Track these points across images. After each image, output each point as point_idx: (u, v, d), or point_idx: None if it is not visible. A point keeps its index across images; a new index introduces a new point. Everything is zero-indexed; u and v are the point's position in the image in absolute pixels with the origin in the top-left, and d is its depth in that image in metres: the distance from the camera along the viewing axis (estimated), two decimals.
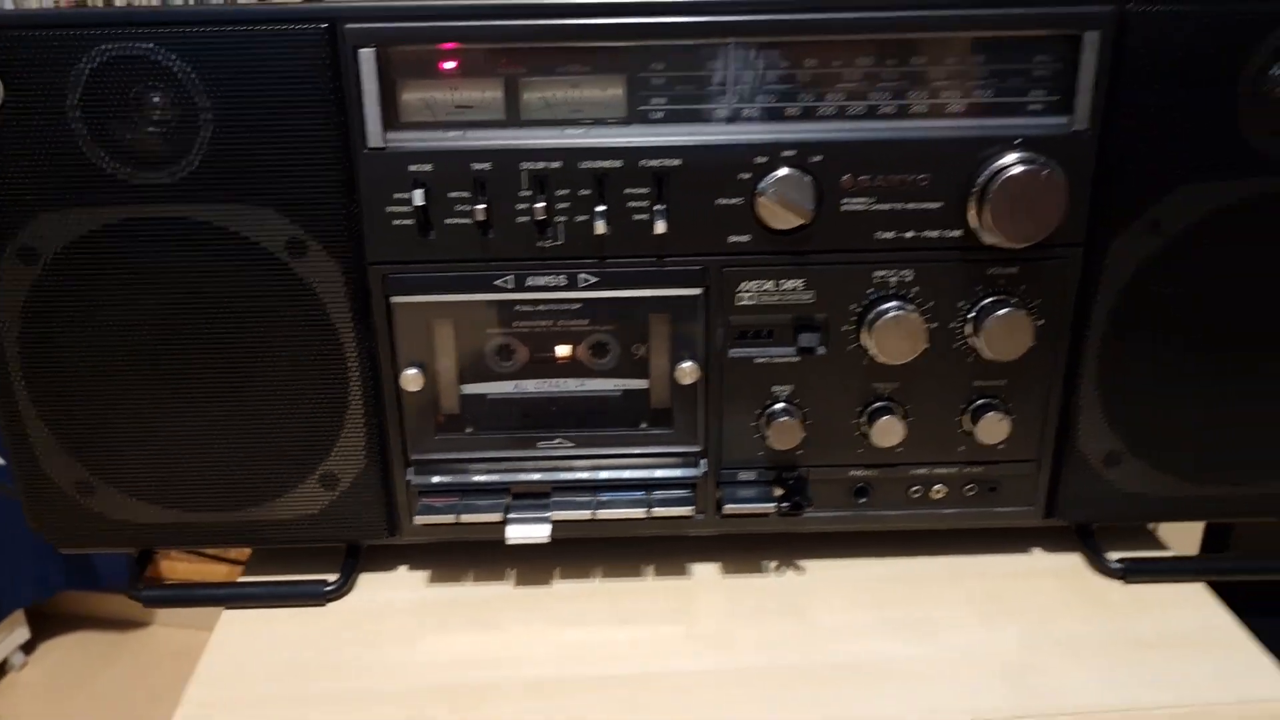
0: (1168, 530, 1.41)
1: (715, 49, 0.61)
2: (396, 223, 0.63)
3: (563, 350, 0.67)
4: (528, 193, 0.62)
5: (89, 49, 0.58)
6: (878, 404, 0.67)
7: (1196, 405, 0.67)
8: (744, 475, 0.69)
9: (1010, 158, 0.61)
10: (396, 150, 0.61)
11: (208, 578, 1.72)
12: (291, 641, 0.68)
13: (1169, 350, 0.66)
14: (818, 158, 0.62)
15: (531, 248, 0.64)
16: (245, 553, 0.77)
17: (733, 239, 0.64)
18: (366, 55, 0.59)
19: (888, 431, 0.67)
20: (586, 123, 0.62)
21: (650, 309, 0.66)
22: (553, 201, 0.62)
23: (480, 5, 0.60)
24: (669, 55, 0.61)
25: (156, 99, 0.60)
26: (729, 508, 0.69)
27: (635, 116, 0.62)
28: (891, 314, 0.64)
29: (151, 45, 0.58)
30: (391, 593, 0.72)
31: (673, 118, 0.62)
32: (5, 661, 1.78)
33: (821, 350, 0.66)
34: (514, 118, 0.62)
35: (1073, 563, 0.72)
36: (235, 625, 0.69)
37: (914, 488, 0.70)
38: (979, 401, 0.67)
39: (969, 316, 0.65)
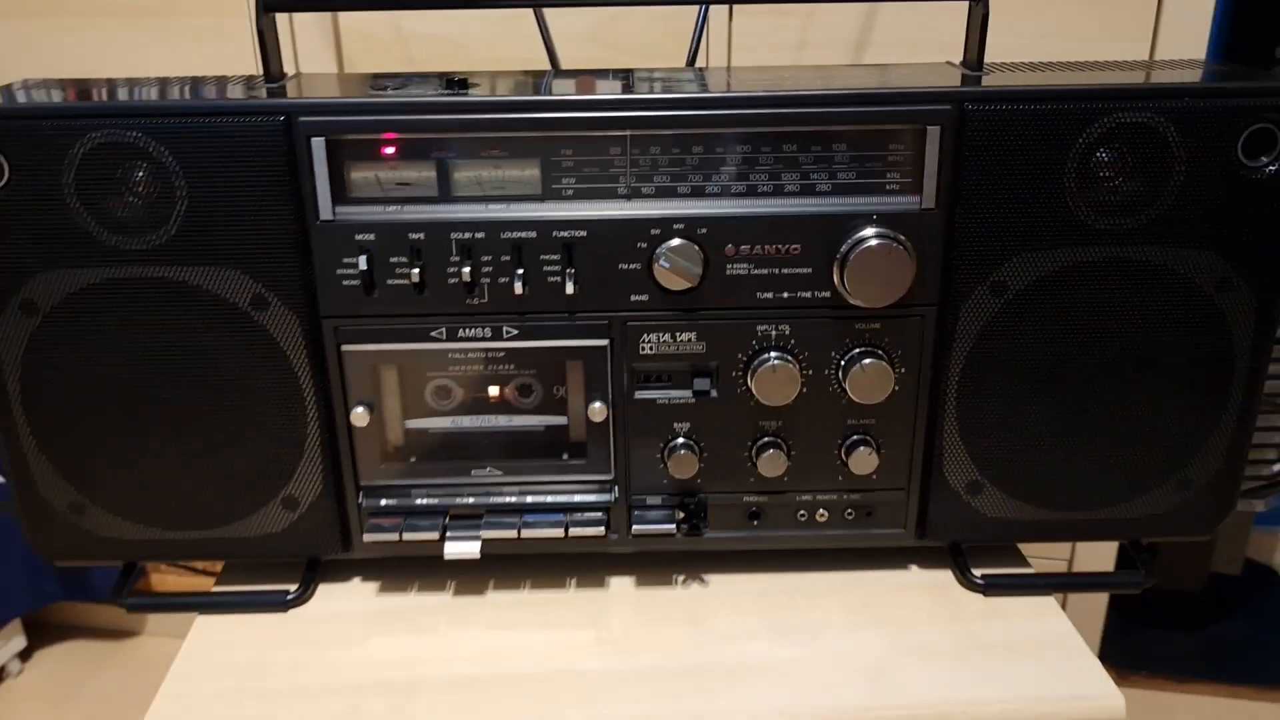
0: (1083, 550, 1.48)
1: (616, 139, 0.67)
2: (345, 283, 0.68)
3: (493, 391, 0.73)
4: (457, 258, 0.68)
5: (82, 135, 0.63)
6: (764, 439, 0.73)
7: (1045, 441, 0.72)
8: (651, 500, 0.75)
9: (868, 231, 0.67)
10: (344, 222, 0.67)
11: (193, 589, 1.74)
12: (255, 643, 0.72)
13: (1017, 393, 0.71)
14: (704, 230, 0.68)
15: (461, 304, 0.69)
16: (220, 565, 0.81)
17: (634, 298, 0.69)
18: (318, 143, 0.65)
19: (773, 463, 0.73)
20: (507, 199, 0.68)
21: (565, 357, 0.71)
22: (478, 266, 0.68)
23: (416, 102, 0.66)
24: (577, 143, 0.67)
25: (139, 177, 0.65)
26: (637, 529, 0.75)
27: (549, 194, 0.68)
28: (771, 363, 0.70)
29: (136, 134, 0.63)
30: (345, 601, 0.77)
31: (581, 195, 0.68)
32: (3, 668, 1.79)
33: (714, 393, 0.72)
34: (445, 194, 0.68)
35: (944, 578, 0.78)
36: (207, 629, 0.74)
37: (800, 511, 0.76)
38: (852, 438, 0.73)
39: (840, 364, 0.71)
